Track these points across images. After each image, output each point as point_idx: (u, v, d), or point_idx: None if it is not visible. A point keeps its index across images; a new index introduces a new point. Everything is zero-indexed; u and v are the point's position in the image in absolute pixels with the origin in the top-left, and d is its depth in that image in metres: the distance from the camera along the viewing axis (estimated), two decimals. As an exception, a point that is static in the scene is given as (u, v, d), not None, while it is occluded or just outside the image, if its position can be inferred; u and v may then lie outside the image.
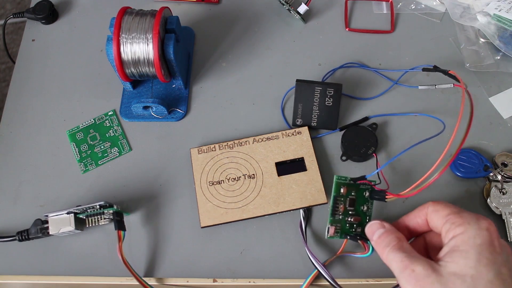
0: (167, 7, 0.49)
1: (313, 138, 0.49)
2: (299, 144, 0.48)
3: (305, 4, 0.56)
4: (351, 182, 0.40)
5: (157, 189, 0.48)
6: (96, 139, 0.51)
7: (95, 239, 0.46)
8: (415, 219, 0.38)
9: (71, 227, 0.43)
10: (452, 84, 0.48)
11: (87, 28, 0.59)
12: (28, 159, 0.50)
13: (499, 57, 0.54)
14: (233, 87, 0.54)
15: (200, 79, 0.54)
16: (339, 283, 0.41)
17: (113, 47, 0.46)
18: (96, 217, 0.44)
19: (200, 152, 0.48)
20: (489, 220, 0.33)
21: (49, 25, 0.59)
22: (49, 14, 0.58)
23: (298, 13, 0.56)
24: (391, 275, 0.35)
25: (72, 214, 0.43)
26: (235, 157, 0.48)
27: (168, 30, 0.48)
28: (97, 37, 0.57)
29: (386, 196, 0.39)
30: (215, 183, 0.47)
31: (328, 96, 0.48)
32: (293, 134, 0.49)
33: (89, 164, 0.50)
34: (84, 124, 0.52)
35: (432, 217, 0.36)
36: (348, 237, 0.40)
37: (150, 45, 0.46)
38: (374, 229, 0.38)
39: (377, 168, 0.46)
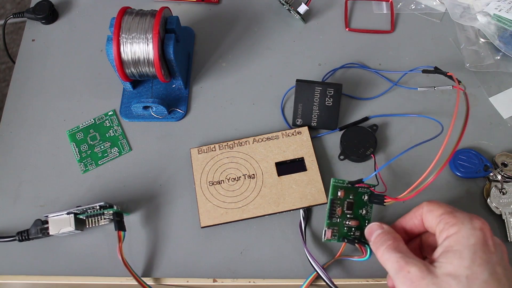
0: (167, 7, 0.49)
1: (313, 138, 0.49)
2: (299, 144, 0.48)
3: (305, 4, 0.56)
4: (349, 185, 0.40)
5: (157, 189, 0.48)
6: (96, 139, 0.51)
7: (95, 239, 0.46)
8: (412, 220, 0.38)
9: (71, 227, 0.43)
10: (451, 86, 0.48)
11: (87, 28, 0.59)
12: (28, 159, 0.50)
13: (499, 57, 0.54)
14: (233, 87, 0.54)
15: (200, 79, 0.54)
16: (338, 283, 0.41)
17: (113, 47, 0.46)
18: (96, 217, 0.44)
19: (200, 152, 0.48)
20: (483, 219, 0.33)
21: (49, 25, 0.59)
22: (49, 14, 0.58)
23: (298, 13, 0.56)
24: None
25: (72, 215, 0.43)
26: (235, 157, 0.48)
27: (168, 30, 0.48)
28: (97, 37, 0.57)
29: (385, 200, 0.39)
30: (215, 183, 0.47)
31: (328, 96, 0.48)
32: (293, 134, 0.49)
33: (89, 164, 0.50)
34: (84, 124, 0.52)
35: (427, 217, 0.36)
36: (346, 241, 0.40)
37: (150, 45, 0.46)
38: (372, 230, 0.38)
39: (375, 169, 0.46)
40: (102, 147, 0.51)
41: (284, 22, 0.58)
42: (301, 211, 0.45)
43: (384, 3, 0.59)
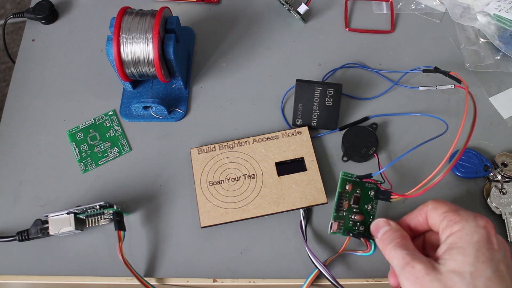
0: (167, 7, 0.49)
1: (313, 138, 0.49)
2: (299, 144, 0.48)
3: (305, 4, 0.56)
4: (357, 179, 0.40)
5: (157, 189, 0.48)
6: (96, 139, 0.51)
7: (95, 239, 0.46)
8: (416, 218, 0.38)
9: (71, 227, 0.43)
10: (453, 85, 0.48)
11: (87, 28, 0.59)
12: (28, 159, 0.50)
13: (499, 57, 0.54)
14: (233, 87, 0.54)
15: (200, 79, 0.54)
16: (342, 282, 0.41)
17: (113, 47, 0.46)
18: (96, 217, 0.44)
19: (200, 152, 0.48)
20: (486, 218, 0.34)
21: (49, 25, 0.59)
22: (49, 14, 0.58)
23: (298, 13, 0.56)
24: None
25: (72, 214, 0.43)
26: (235, 157, 0.48)
27: (168, 30, 0.48)
28: (97, 37, 0.57)
29: (391, 197, 0.39)
30: (215, 183, 0.47)
31: (328, 96, 0.48)
32: (293, 134, 0.49)
33: (89, 164, 0.50)
34: (84, 124, 0.52)
35: (431, 215, 0.36)
36: (351, 235, 0.40)
37: (150, 45, 0.46)
38: (379, 226, 0.38)
39: (379, 168, 0.46)
40: (102, 147, 0.51)
41: (284, 22, 0.58)
42: (301, 211, 0.45)
43: (384, 3, 0.59)
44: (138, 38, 0.46)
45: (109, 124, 0.52)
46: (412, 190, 0.37)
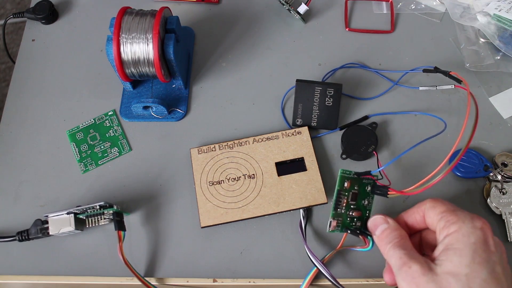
0: (167, 7, 0.49)
1: (313, 138, 0.49)
2: (299, 144, 0.48)
3: (305, 4, 0.56)
4: (355, 176, 0.40)
5: (157, 189, 0.48)
6: (96, 139, 0.51)
7: (95, 239, 0.46)
8: (414, 215, 0.38)
9: (71, 227, 0.43)
10: (453, 86, 0.48)
11: (87, 28, 0.59)
12: (28, 159, 0.50)
13: (499, 57, 0.54)
14: (233, 87, 0.54)
15: (200, 79, 0.54)
16: (341, 282, 0.41)
17: (113, 47, 0.46)
18: (96, 217, 0.44)
19: (200, 152, 0.48)
20: (484, 219, 0.34)
21: (49, 25, 0.59)
22: (49, 14, 0.58)
23: (298, 13, 0.56)
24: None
25: (72, 214, 0.43)
26: (235, 157, 0.48)
27: (168, 30, 0.48)
28: (97, 37, 0.57)
29: (389, 192, 0.39)
30: (215, 183, 0.47)
31: (328, 96, 0.48)
32: (293, 134, 0.49)
33: (89, 164, 0.50)
34: (84, 124, 0.52)
35: (429, 214, 0.36)
36: (349, 231, 0.40)
37: (150, 45, 0.46)
38: (377, 224, 0.37)
39: (378, 166, 0.46)
40: (102, 147, 0.51)
41: (284, 22, 0.58)
42: (301, 211, 0.45)
43: (384, 3, 0.59)
44: (138, 38, 0.46)
45: (109, 124, 0.52)
46: (411, 188, 0.37)
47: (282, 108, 0.52)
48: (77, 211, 0.43)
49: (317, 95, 0.48)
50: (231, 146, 0.48)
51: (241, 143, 0.49)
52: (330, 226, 0.40)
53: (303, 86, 0.49)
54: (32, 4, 0.60)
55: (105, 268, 0.45)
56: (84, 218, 0.44)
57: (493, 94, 0.52)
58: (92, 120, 0.52)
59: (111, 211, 0.44)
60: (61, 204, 0.48)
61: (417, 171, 0.47)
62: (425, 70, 0.51)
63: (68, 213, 0.43)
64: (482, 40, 0.55)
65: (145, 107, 0.50)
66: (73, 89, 0.54)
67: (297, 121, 0.50)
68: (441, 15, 0.58)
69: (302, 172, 0.47)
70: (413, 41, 0.56)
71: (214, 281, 0.44)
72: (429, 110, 0.51)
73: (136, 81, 0.53)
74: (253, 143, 0.48)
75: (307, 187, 0.46)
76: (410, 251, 0.34)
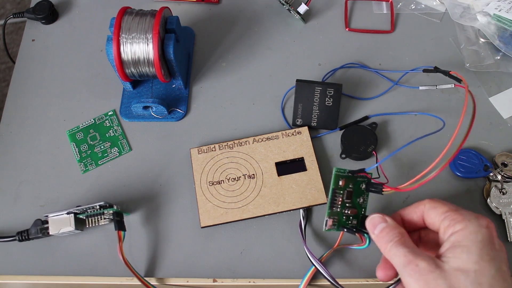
0: (167, 7, 0.49)
1: (313, 138, 0.49)
2: (299, 144, 0.48)
3: (305, 4, 0.56)
4: (349, 174, 0.40)
5: (157, 189, 0.48)
6: (96, 139, 0.51)
7: (95, 239, 0.46)
8: (411, 215, 0.38)
9: (71, 227, 0.43)
10: (453, 85, 0.48)
11: (87, 28, 0.59)
12: (28, 159, 0.50)
13: (499, 57, 0.54)
14: (233, 87, 0.54)
15: (200, 79, 0.54)
16: (340, 282, 0.41)
17: (113, 47, 0.46)
18: (96, 217, 0.44)
19: (200, 152, 0.48)
20: (488, 218, 0.34)
21: (49, 25, 0.59)
22: (49, 14, 0.58)
23: (298, 13, 0.56)
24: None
25: (72, 214, 0.43)
26: (235, 157, 0.48)
27: (168, 30, 0.48)
28: (97, 37, 0.57)
29: (383, 189, 0.39)
30: (215, 183, 0.47)
31: (328, 96, 0.48)
32: (293, 134, 0.49)
33: (89, 164, 0.50)
34: (84, 124, 0.52)
35: (430, 214, 0.36)
36: (345, 230, 0.40)
37: (150, 45, 0.46)
38: (375, 223, 0.37)
39: (376, 161, 0.46)
40: (102, 147, 0.51)
41: (284, 22, 0.58)
42: (301, 211, 0.45)
43: (384, 3, 0.59)
44: (138, 38, 0.46)
45: (109, 124, 0.52)
46: (406, 184, 0.37)
47: (282, 108, 0.52)
48: (77, 211, 0.43)
49: (317, 95, 0.48)
50: (231, 146, 0.48)
51: (241, 143, 0.49)
52: (326, 225, 0.40)
53: (303, 86, 0.49)
54: (32, 4, 0.60)
55: (105, 268, 0.45)
56: (84, 218, 0.44)
57: (493, 94, 0.52)
58: (92, 120, 0.52)
59: (111, 211, 0.44)
60: (61, 204, 0.48)
61: (416, 170, 0.47)
62: (425, 70, 0.51)
63: (68, 213, 0.43)
64: (482, 40, 0.55)
65: (145, 107, 0.50)
66: (73, 89, 0.54)
67: (297, 121, 0.50)
68: (441, 15, 0.58)
69: (302, 172, 0.47)
70: (413, 41, 0.56)
71: (214, 281, 0.44)
72: (429, 109, 0.51)
73: (136, 81, 0.53)
74: (253, 143, 0.48)
75: (307, 187, 0.46)
76: (413, 249, 0.34)
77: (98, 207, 0.44)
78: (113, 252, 0.44)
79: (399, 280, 0.37)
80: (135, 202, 0.47)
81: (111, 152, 0.50)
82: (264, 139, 0.49)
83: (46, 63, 0.56)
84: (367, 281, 0.43)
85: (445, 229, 0.34)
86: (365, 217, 0.40)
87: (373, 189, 0.40)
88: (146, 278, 0.43)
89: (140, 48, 0.46)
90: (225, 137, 0.50)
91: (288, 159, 0.47)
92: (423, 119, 0.50)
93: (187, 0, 0.59)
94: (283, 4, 0.57)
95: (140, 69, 0.48)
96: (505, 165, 0.47)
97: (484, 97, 0.52)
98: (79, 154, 0.50)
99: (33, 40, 0.58)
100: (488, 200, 0.45)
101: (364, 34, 0.57)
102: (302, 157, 0.47)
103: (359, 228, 0.40)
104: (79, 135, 0.51)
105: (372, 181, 0.40)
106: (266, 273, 0.44)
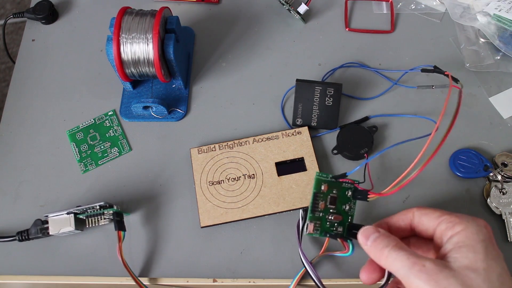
0: (167, 7, 0.49)
1: (313, 138, 0.49)
2: (299, 144, 0.48)
3: (305, 4, 0.56)
4: (332, 180, 0.39)
5: (157, 189, 0.48)
6: (96, 139, 0.51)
7: (95, 239, 0.46)
8: (398, 223, 0.37)
9: (71, 227, 0.43)
10: (449, 84, 0.48)
11: (87, 28, 0.59)
12: (28, 159, 0.50)
13: (499, 57, 0.54)
14: (233, 87, 0.54)
15: (200, 79, 0.54)
16: (329, 283, 0.41)
17: (113, 47, 0.46)
18: (96, 217, 0.44)
19: (200, 152, 0.48)
20: (483, 220, 0.34)
21: (49, 25, 0.59)
22: (49, 14, 0.58)
23: (298, 13, 0.56)
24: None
25: (72, 215, 0.43)
26: (235, 157, 0.48)
27: (168, 30, 0.48)
28: (97, 37, 0.57)
29: (368, 196, 0.39)
30: (215, 183, 0.47)
31: (328, 96, 0.48)
32: (293, 134, 0.49)
33: (89, 164, 0.50)
34: (84, 124, 0.52)
35: (422, 220, 0.35)
36: (328, 235, 0.40)
37: (150, 45, 0.46)
38: (368, 234, 0.36)
39: (365, 168, 0.45)
40: (102, 147, 0.51)
41: (284, 22, 0.58)
42: (301, 211, 0.45)
43: (384, 3, 0.59)
44: (138, 38, 0.46)
45: (109, 124, 0.52)
46: (387, 189, 0.37)
47: (282, 108, 0.52)
48: (77, 211, 0.43)
49: (317, 95, 0.48)
50: (231, 146, 0.48)
51: (241, 143, 0.49)
52: (307, 229, 0.39)
53: (303, 86, 0.49)
54: (32, 4, 0.60)
55: (105, 268, 0.45)
56: (84, 218, 0.44)
57: (493, 94, 0.52)
58: (92, 120, 0.52)
59: (111, 211, 0.44)
60: (61, 204, 0.48)
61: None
62: (423, 70, 0.51)
63: (68, 213, 0.43)
64: (482, 40, 0.55)
65: (145, 107, 0.50)
66: (73, 89, 0.54)
67: (297, 121, 0.50)
68: (441, 15, 0.58)
69: (302, 172, 0.47)
70: (413, 41, 0.56)
71: (214, 281, 0.44)
72: (428, 110, 0.51)
73: (136, 81, 0.53)
74: (253, 143, 0.48)
75: (307, 187, 0.46)
76: (413, 252, 0.34)
77: (98, 207, 0.44)
78: (113, 252, 0.44)
79: (386, 283, 0.37)
80: (135, 202, 0.47)
81: (111, 152, 0.50)
82: (264, 139, 0.49)
83: (46, 63, 0.56)
84: (358, 282, 0.43)
85: (442, 233, 0.34)
86: (353, 225, 0.39)
87: (359, 197, 0.39)
88: (146, 278, 0.43)
89: (140, 48, 0.46)
90: (225, 137, 0.50)
91: (288, 159, 0.47)
92: (421, 121, 0.50)
93: (187, 0, 0.60)
94: (283, 4, 0.57)
95: (140, 69, 0.48)
96: (505, 165, 0.47)
97: (484, 97, 0.52)
98: (79, 154, 0.50)
99: (33, 40, 0.58)
100: (488, 200, 0.45)
101: (364, 34, 0.57)
102: (302, 157, 0.47)
103: (345, 235, 0.40)
104: (79, 135, 0.51)
105: (358, 188, 0.40)
106: (266, 273, 0.44)
